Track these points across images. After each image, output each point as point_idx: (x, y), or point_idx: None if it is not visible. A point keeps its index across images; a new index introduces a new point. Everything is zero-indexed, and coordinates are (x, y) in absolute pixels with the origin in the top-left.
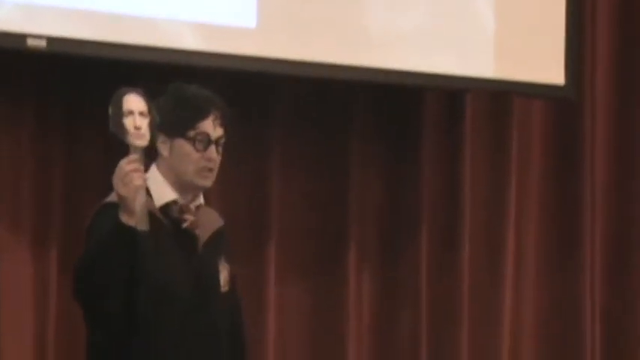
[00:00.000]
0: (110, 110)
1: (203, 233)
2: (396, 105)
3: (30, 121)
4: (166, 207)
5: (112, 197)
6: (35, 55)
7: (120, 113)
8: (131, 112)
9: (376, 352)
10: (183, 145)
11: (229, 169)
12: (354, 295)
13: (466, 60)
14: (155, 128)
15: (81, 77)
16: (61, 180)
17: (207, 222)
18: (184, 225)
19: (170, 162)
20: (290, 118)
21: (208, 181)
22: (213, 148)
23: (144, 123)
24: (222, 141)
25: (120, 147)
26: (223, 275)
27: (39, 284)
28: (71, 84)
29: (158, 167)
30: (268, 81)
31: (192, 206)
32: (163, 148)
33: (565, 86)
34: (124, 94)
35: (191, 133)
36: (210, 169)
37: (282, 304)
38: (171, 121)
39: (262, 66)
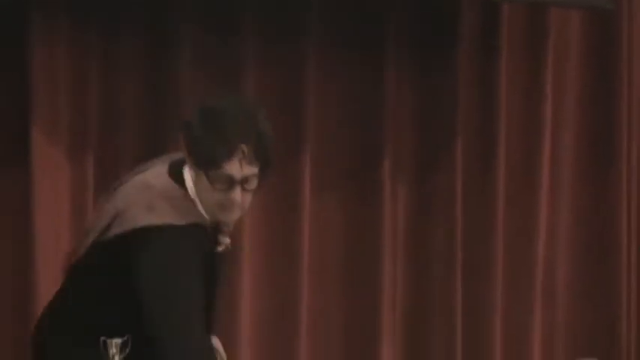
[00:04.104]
0: None
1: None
2: (430, 18)
3: (66, 32)
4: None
5: (148, 220)
6: None
7: None
8: None
9: (411, 266)
10: (205, 182)
11: (265, 83)
12: (389, 209)
13: None
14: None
15: None
16: (98, 93)
17: None
18: (219, 249)
19: (196, 187)
20: (324, 32)
21: (233, 216)
22: (237, 189)
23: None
24: (255, 178)
25: (156, 51)
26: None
27: (76, 193)
28: None
29: (192, 181)
30: None
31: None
32: (190, 172)
33: None
34: None
35: (212, 174)
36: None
37: (317, 218)
38: (195, 152)
39: None
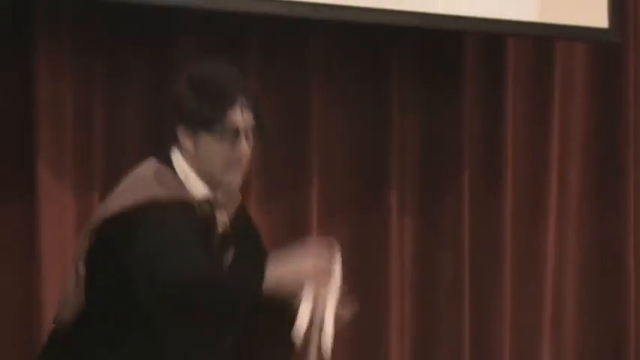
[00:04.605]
0: None
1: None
2: (436, 49)
3: (69, 66)
4: (200, 203)
5: (124, 201)
6: None
7: None
8: None
9: (418, 292)
10: (209, 141)
11: (270, 111)
12: (396, 235)
13: (509, 3)
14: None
15: (122, 18)
16: (102, 125)
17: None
18: (220, 230)
19: (196, 157)
20: (329, 62)
21: (238, 174)
22: (243, 140)
23: None
24: (251, 131)
25: (159, 88)
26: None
27: (82, 215)
28: (111, 26)
29: (184, 158)
30: (307, 26)
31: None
32: (187, 142)
33: (609, 29)
34: None
35: (217, 127)
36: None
37: None
38: (193, 112)
39: (301, 11)
